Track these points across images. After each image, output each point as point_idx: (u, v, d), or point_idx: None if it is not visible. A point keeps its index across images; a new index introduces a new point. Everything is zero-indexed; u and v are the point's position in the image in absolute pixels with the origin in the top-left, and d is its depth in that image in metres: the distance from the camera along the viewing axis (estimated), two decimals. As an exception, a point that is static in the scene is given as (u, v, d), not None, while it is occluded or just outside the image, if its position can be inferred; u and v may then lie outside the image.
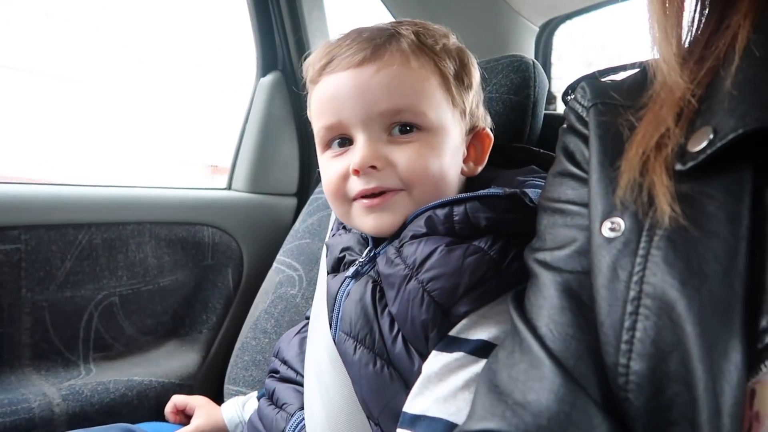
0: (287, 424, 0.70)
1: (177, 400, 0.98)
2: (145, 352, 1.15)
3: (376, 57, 0.65)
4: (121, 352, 1.11)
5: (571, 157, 0.51)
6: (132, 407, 1.06)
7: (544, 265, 0.47)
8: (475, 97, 0.74)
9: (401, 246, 0.65)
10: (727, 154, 0.38)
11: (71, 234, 1.04)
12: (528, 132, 0.84)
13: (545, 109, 0.90)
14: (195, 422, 0.91)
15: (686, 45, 0.45)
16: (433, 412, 0.56)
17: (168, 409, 0.98)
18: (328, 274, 0.76)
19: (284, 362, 0.79)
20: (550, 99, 1.44)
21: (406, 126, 0.66)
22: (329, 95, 0.67)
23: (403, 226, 0.67)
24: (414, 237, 0.64)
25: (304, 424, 0.68)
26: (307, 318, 0.83)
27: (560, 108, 1.33)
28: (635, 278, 0.39)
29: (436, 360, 0.59)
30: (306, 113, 0.76)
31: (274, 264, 1.15)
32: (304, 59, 0.74)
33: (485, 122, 0.76)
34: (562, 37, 1.51)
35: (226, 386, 1.09)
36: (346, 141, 0.69)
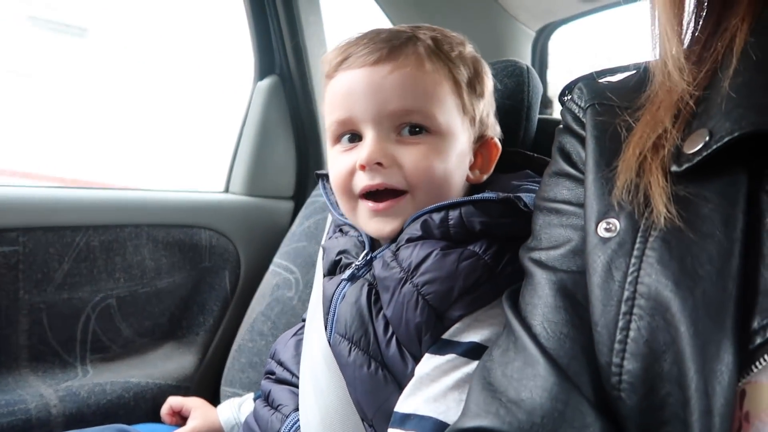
0: (282, 426, 0.70)
1: (173, 401, 0.98)
2: (142, 353, 1.14)
3: (392, 57, 0.66)
4: (118, 354, 1.11)
5: (568, 158, 0.52)
6: (128, 409, 1.05)
7: (539, 264, 0.48)
8: (486, 106, 0.74)
9: (398, 249, 0.65)
10: (722, 157, 0.39)
11: (69, 236, 1.04)
12: (522, 136, 0.85)
13: (541, 114, 0.90)
14: (191, 424, 0.91)
15: (685, 46, 0.46)
16: (423, 411, 0.57)
17: (164, 410, 0.99)
18: (324, 276, 0.76)
19: (280, 364, 0.79)
20: (547, 103, 1.45)
21: (415, 127, 0.67)
22: (343, 91, 0.68)
23: (401, 229, 0.68)
24: (410, 240, 0.65)
25: (299, 426, 0.68)
26: (304, 320, 0.83)
27: (557, 112, 1.33)
28: (630, 278, 0.40)
29: (429, 362, 0.59)
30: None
31: (271, 267, 1.15)
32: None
33: (494, 132, 0.77)
34: (558, 41, 1.52)
35: (222, 388, 1.09)
36: (356, 137, 0.69)
